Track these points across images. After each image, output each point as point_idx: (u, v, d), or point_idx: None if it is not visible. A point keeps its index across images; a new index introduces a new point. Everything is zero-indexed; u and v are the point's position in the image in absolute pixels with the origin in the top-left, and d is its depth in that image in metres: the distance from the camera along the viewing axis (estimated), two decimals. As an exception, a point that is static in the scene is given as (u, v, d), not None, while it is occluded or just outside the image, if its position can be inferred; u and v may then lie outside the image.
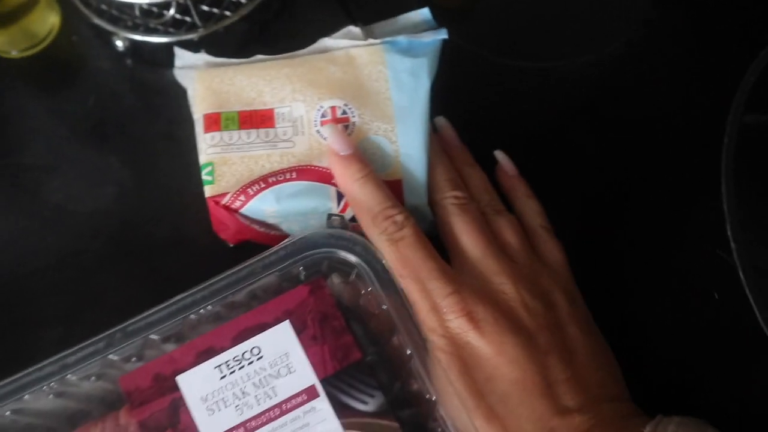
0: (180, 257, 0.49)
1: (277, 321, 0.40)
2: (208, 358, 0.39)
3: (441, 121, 0.49)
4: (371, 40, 0.46)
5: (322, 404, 0.39)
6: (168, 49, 0.52)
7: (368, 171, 0.43)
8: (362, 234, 0.42)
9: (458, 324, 0.40)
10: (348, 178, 0.43)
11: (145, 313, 0.39)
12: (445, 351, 0.40)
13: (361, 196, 0.42)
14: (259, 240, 0.46)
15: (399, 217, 0.41)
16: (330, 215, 0.44)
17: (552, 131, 0.52)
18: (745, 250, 0.40)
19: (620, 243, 0.49)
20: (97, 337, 0.38)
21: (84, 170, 0.51)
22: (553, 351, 0.40)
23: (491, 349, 0.39)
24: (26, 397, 0.38)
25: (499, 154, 0.49)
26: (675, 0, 0.56)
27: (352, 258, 0.41)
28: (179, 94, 0.51)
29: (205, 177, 0.44)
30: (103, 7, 0.52)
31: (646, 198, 0.50)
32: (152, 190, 0.51)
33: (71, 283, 0.48)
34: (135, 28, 0.52)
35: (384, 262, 0.40)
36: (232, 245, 0.47)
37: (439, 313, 0.40)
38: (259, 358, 0.39)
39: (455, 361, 0.40)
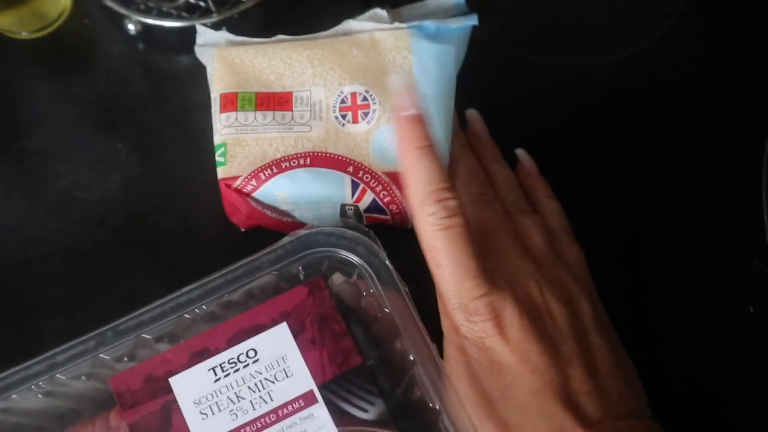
0: (187, 248, 0.48)
1: (275, 322, 0.38)
2: (203, 360, 0.37)
3: (472, 113, 0.47)
4: (397, 24, 0.44)
5: (320, 411, 0.37)
6: (181, 34, 0.51)
7: (431, 142, 0.39)
8: (374, 227, 0.40)
9: (483, 327, 0.38)
10: (408, 144, 0.39)
11: (138, 312, 0.37)
12: (464, 352, 0.38)
13: (417, 169, 0.38)
14: (270, 226, 0.45)
15: (452, 203, 0.38)
16: (343, 205, 0.42)
17: (574, 130, 0.50)
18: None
19: (645, 249, 0.47)
20: (88, 336, 0.37)
21: (91, 156, 0.50)
22: (576, 360, 0.38)
23: (515, 356, 0.38)
24: (14, 396, 0.37)
25: (521, 153, 0.47)
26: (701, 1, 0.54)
27: (354, 258, 0.39)
28: (190, 80, 0.51)
29: (218, 158, 0.43)
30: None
31: (675, 203, 0.48)
32: (160, 178, 0.49)
33: (74, 272, 0.47)
34: (147, 12, 0.51)
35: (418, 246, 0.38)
36: (243, 230, 0.46)
37: (466, 312, 0.38)
38: (255, 361, 0.38)
39: (473, 365, 0.38)
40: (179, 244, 0.48)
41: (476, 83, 0.46)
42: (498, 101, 0.49)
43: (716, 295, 0.45)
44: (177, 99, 0.51)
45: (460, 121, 0.47)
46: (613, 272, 0.44)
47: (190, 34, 0.47)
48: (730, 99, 0.50)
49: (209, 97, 0.45)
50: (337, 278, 0.40)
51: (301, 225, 0.44)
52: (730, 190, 0.46)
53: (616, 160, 0.49)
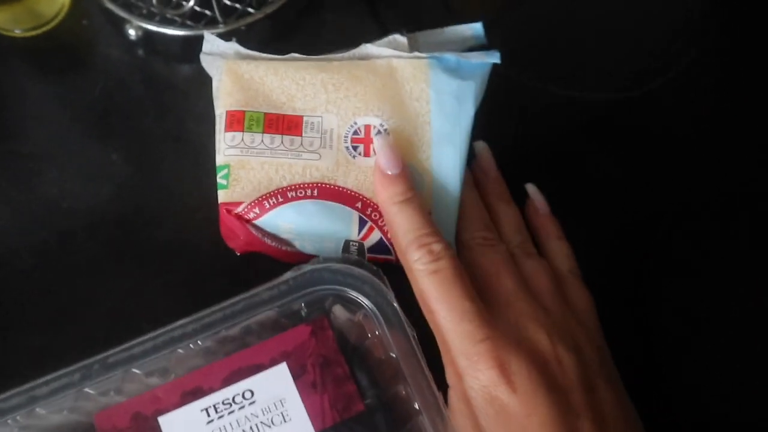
0: (180, 267, 0.45)
1: (274, 363, 0.36)
2: (195, 399, 0.35)
3: (480, 146, 0.45)
4: (416, 53, 0.42)
5: (318, 459, 0.35)
6: (184, 42, 0.49)
7: (411, 194, 0.39)
8: (379, 265, 0.39)
9: (489, 376, 0.36)
10: (388, 199, 0.39)
11: (128, 344, 0.35)
12: (469, 404, 0.36)
13: (399, 219, 0.39)
14: (268, 253, 0.43)
15: (436, 246, 0.38)
16: (348, 241, 0.40)
17: (586, 164, 0.49)
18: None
19: (650, 290, 0.46)
20: (73, 368, 0.35)
21: (83, 164, 0.47)
22: (585, 413, 0.37)
23: (522, 408, 0.36)
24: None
25: (531, 189, 0.45)
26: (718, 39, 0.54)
27: (361, 298, 0.37)
28: (193, 91, 0.49)
29: (220, 180, 0.41)
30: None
31: (687, 242, 0.47)
32: (155, 192, 0.47)
33: (59, 286, 0.44)
34: (150, 17, 0.49)
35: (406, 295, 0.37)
36: (239, 254, 0.44)
37: (468, 359, 0.36)
38: (251, 403, 0.36)
39: (478, 416, 0.36)
40: (173, 262, 0.45)
41: (488, 111, 0.44)
42: (509, 130, 0.48)
43: (727, 339, 0.44)
44: (177, 109, 0.48)
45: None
46: (620, 319, 0.43)
47: (194, 43, 0.45)
48: (740, 140, 0.50)
49: (212, 109, 0.43)
50: (340, 313, 0.38)
51: (300, 255, 0.42)
52: (742, 223, 0.47)
53: (627, 196, 0.48)
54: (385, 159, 0.40)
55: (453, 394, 0.37)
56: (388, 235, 0.40)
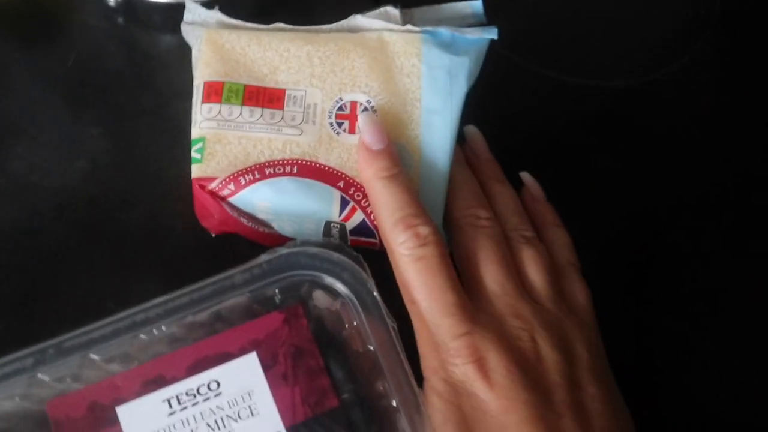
0: (152, 250, 0.43)
1: (243, 352, 0.34)
2: (157, 388, 0.33)
3: (471, 129, 0.44)
4: (409, 26, 0.41)
5: (287, 457, 0.33)
6: (167, 10, 0.47)
7: (398, 170, 0.38)
8: (360, 250, 0.37)
9: (465, 370, 0.35)
10: (372, 174, 0.38)
11: (86, 327, 0.33)
12: (444, 398, 0.35)
13: (384, 196, 0.37)
14: (244, 234, 0.41)
15: (423, 229, 0.36)
16: (329, 222, 0.39)
17: (583, 152, 0.48)
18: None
19: (651, 285, 0.45)
20: (26, 352, 0.32)
21: (54, 138, 0.45)
22: (567, 413, 0.35)
23: (499, 404, 0.34)
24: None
25: (526, 176, 0.44)
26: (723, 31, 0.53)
27: (339, 285, 0.35)
28: (174, 63, 0.47)
29: (194, 154, 0.39)
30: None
31: (685, 237, 0.47)
32: (130, 170, 0.45)
33: (23, 268, 0.42)
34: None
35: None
36: (214, 235, 0.42)
37: (445, 353, 0.35)
38: (216, 395, 0.33)
39: (454, 412, 0.35)
40: (144, 245, 0.43)
41: (480, 93, 0.43)
42: (500, 115, 0.46)
43: (725, 338, 0.44)
44: (157, 83, 0.47)
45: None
46: (619, 314, 0.42)
47: (177, 12, 0.43)
48: (743, 131, 0.49)
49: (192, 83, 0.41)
50: (321, 299, 0.36)
51: (278, 237, 0.40)
52: (741, 224, 0.47)
53: (625, 187, 0.47)
54: (369, 134, 0.38)
55: (428, 388, 0.35)
56: (372, 216, 0.38)
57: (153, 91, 0.47)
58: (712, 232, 0.47)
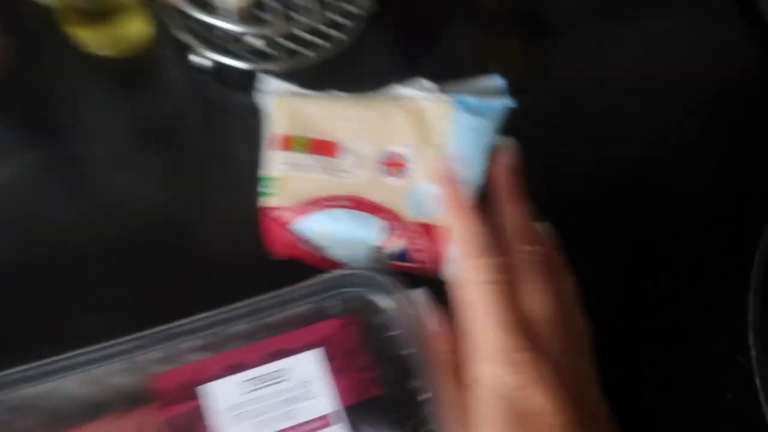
0: (218, 274, 0.50)
1: (307, 348, 0.42)
2: (237, 372, 0.41)
3: (508, 141, 0.48)
4: (441, 96, 0.48)
5: (338, 432, 0.41)
6: (246, 73, 0.55)
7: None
8: (398, 271, 0.44)
9: (524, 378, 0.39)
10: (455, 203, 0.45)
11: (182, 321, 0.41)
12: (500, 398, 0.39)
13: (467, 225, 0.43)
14: (304, 259, 0.49)
15: (499, 260, 0.41)
16: (375, 248, 0.46)
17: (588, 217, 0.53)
18: (764, 358, 0.41)
19: (638, 332, 0.51)
20: (129, 338, 0.41)
21: (140, 172, 0.54)
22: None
23: (552, 406, 0.38)
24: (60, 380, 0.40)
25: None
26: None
27: (384, 301, 0.43)
28: (242, 117, 0.55)
29: (266, 189, 0.47)
30: (193, 24, 0.55)
31: (670, 295, 0.52)
32: (199, 202, 0.53)
33: (119, 274, 0.50)
34: (217, 48, 0.55)
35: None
36: (278, 260, 0.49)
37: (509, 363, 0.39)
38: (284, 380, 0.41)
39: (507, 411, 0.38)
40: (213, 269, 0.51)
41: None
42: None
43: (698, 380, 0.49)
44: (227, 131, 0.55)
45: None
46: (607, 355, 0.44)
47: (250, 76, 0.52)
48: (743, 210, 0.55)
49: (258, 134, 0.50)
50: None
51: (331, 263, 0.48)
52: (723, 290, 0.51)
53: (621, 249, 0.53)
54: (446, 165, 0.46)
55: (484, 389, 0.39)
56: (410, 242, 0.46)
57: (222, 138, 0.55)
58: (702, 291, 0.52)
